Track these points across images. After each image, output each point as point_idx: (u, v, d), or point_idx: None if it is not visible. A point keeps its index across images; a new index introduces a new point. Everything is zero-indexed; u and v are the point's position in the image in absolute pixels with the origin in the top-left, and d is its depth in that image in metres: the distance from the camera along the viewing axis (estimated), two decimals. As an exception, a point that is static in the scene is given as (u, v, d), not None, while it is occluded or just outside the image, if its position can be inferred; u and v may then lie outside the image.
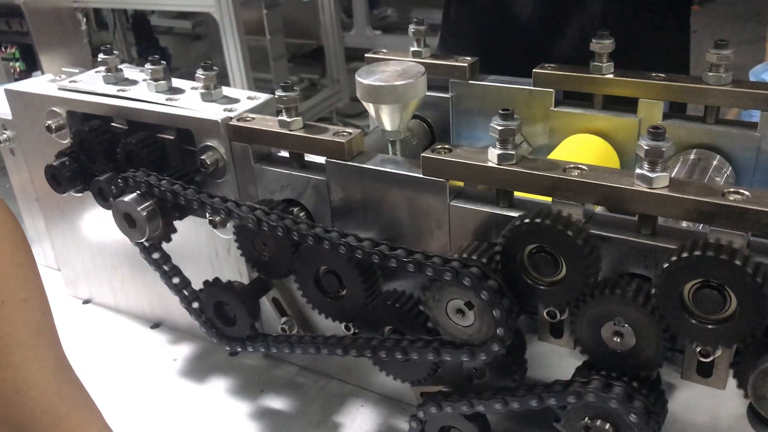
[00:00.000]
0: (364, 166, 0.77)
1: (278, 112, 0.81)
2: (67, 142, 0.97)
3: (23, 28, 3.59)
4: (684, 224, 0.69)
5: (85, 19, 3.66)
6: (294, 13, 4.34)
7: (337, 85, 4.11)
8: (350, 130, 0.79)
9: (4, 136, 1.10)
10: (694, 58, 1.23)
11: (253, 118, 0.84)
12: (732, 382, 0.65)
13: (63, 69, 1.11)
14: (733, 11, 4.61)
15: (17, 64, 3.52)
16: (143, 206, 0.83)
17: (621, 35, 0.89)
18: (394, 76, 0.77)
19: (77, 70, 1.06)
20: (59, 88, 0.97)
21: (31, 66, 3.54)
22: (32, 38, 3.43)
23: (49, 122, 0.96)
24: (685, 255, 0.58)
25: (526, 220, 0.64)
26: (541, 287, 0.66)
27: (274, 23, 3.72)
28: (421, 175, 0.73)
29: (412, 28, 0.99)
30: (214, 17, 3.43)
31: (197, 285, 0.88)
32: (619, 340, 0.64)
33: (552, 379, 0.69)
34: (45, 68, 3.36)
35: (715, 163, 0.84)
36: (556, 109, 0.93)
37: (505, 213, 0.71)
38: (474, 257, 0.66)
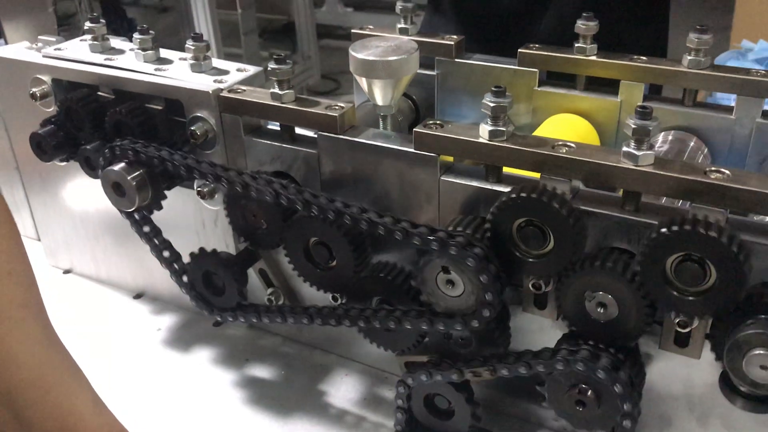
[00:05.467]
0: (356, 140, 0.78)
1: (270, 85, 0.82)
2: (51, 110, 0.96)
3: (-15, -6, 3.50)
4: (664, 201, 0.72)
5: (50, -13, 3.57)
6: (265, -13, 4.30)
7: (308, 61, 4.09)
8: (342, 104, 0.80)
9: (-18, 103, 1.08)
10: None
11: (244, 90, 0.85)
12: (706, 352, 0.69)
13: (39, 37, 1.09)
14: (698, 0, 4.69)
15: (-21, 31, 3.42)
16: (133, 175, 0.83)
17: (599, 19, 0.91)
18: (387, 51, 0.78)
19: (54, 39, 1.05)
20: (44, 56, 0.96)
21: (-7, 34, 3.45)
22: (-5, 5, 3.35)
23: (34, 90, 0.95)
24: (667, 229, 0.61)
25: (518, 194, 0.66)
26: (530, 260, 0.68)
27: (246, -3, 3.68)
28: (413, 150, 0.75)
29: (399, 5, 1.01)
30: (185, -11, 3.38)
31: (184, 256, 0.89)
32: (602, 311, 0.67)
33: (535, 348, 0.72)
34: (8, 37, 3.28)
35: (692, 144, 0.88)
36: (539, 89, 0.95)
37: (494, 188, 0.73)
38: (468, 231, 0.68)
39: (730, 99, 1.91)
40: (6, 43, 2.99)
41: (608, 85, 0.92)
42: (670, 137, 0.89)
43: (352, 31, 1.04)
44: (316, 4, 4.49)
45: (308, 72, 4.09)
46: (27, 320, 0.59)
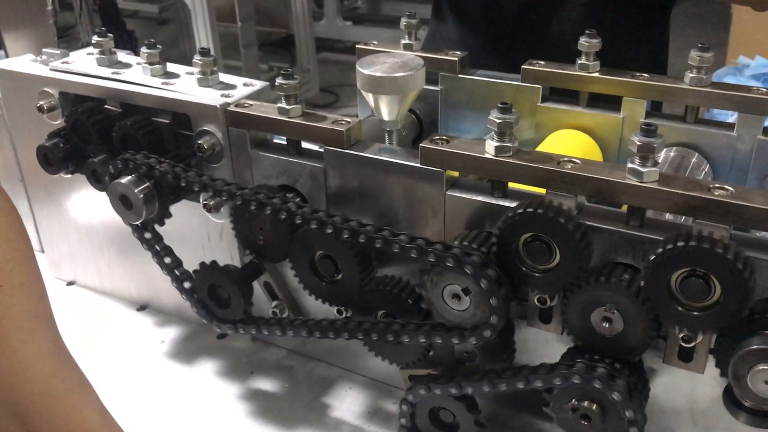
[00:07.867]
0: (363, 154, 0.79)
1: (277, 99, 0.83)
2: (58, 123, 0.97)
3: (-15, 6, 3.51)
4: (668, 216, 0.73)
5: (51, -1, 3.58)
6: (265, 0, 4.32)
7: (307, 74, 4.11)
8: (349, 119, 0.81)
9: (-13, 115, 1.09)
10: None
11: (251, 105, 0.85)
12: (710, 367, 0.69)
13: (44, 50, 1.10)
14: (695, 16, 4.73)
15: (-21, 43, 3.43)
16: (141, 188, 0.84)
17: (601, 38, 0.92)
18: (394, 67, 0.79)
19: (58, 51, 1.06)
20: (51, 69, 0.97)
21: (-7, 46, 3.45)
22: (-5, 17, 3.35)
23: (41, 103, 0.96)
24: (673, 245, 0.61)
25: (524, 209, 0.66)
26: (536, 274, 0.69)
27: (246, 10, 3.70)
28: (419, 165, 0.76)
29: (404, 21, 1.02)
30: (185, 2, 3.40)
31: (188, 268, 0.89)
32: (607, 326, 0.68)
33: (539, 362, 0.72)
34: (9, 48, 3.28)
35: (693, 160, 0.89)
36: (542, 105, 0.96)
37: (499, 203, 0.74)
38: (474, 245, 0.69)
39: (727, 115, 1.93)
40: (6, 54, 2.98)
41: (611, 102, 0.93)
42: (671, 154, 0.90)
43: (357, 46, 1.05)
44: (315, 18, 4.52)
45: (307, 85, 4.10)
46: (38, 331, 0.59)
